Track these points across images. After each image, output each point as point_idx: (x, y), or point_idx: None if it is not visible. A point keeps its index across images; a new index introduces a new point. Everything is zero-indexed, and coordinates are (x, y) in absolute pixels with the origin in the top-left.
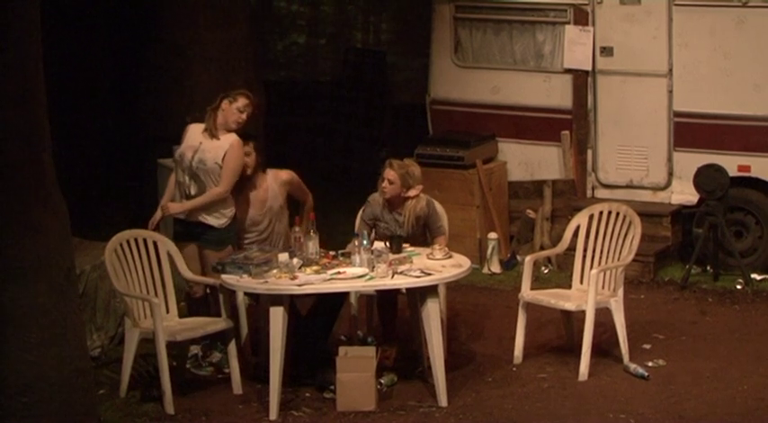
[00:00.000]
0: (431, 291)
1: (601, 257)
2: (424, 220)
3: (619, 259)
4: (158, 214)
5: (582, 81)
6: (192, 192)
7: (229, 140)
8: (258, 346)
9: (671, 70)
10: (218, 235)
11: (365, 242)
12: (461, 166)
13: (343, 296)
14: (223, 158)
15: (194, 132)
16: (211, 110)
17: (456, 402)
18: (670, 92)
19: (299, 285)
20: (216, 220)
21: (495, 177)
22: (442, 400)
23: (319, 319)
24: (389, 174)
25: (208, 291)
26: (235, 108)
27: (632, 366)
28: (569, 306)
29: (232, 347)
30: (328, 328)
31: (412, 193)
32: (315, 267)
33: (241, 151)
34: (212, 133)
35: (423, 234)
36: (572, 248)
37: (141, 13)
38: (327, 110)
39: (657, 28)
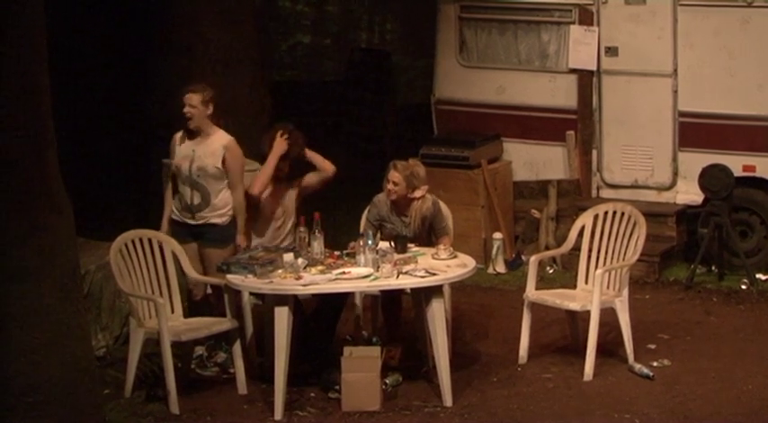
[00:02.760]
0: (435, 291)
1: (606, 257)
2: (430, 220)
3: (624, 259)
4: (165, 227)
5: (587, 81)
6: (196, 201)
7: (222, 142)
8: (263, 347)
9: (676, 70)
10: (221, 232)
11: (370, 242)
12: (466, 166)
13: (346, 296)
14: (223, 163)
15: (181, 141)
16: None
17: (461, 402)
18: (675, 92)
19: (304, 285)
20: (220, 219)
21: (500, 177)
22: (447, 400)
23: (323, 319)
24: (394, 176)
25: (208, 292)
26: (187, 107)
27: (637, 366)
28: (574, 306)
29: (237, 348)
30: (332, 328)
31: (417, 193)
32: (320, 267)
33: (239, 149)
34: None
35: (429, 235)
36: (577, 248)
37: (147, 13)
38: (332, 110)
39: (662, 28)
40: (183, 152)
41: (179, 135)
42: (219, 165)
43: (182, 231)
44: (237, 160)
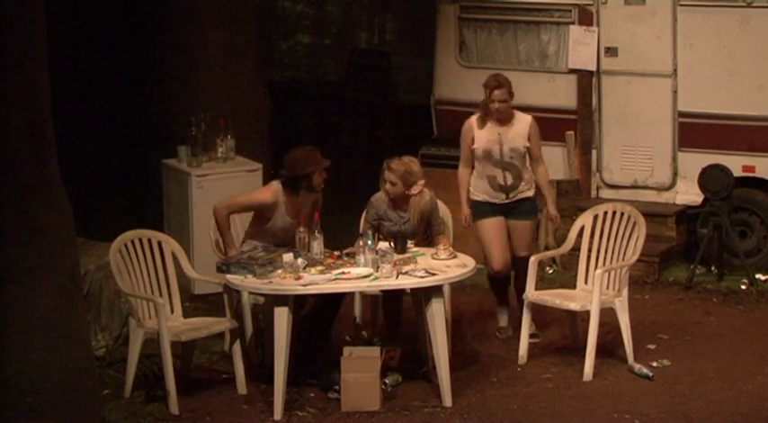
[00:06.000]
0: (435, 291)
1: (605, 258)
2: (429, 215)
3: (623, 259)
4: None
5: (586, 81)
6: (509, 182)
7: (527, 121)
8: (263, 347)
9: (675, 70)
10: (531, 204)
11: (369, 242)
12: None
13: (341, 297)
14: (529, 139)
15: (474, 126)
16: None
17: (460, 402)
18: (675, 92)
19: (304, 285)
20: (530, 191)
21: None
22: (447, 400)
23: (318, 320)
24: (390, 176)
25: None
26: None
27: (637, 366)
28: (574, 306)
29: (237, 347)
30: (327, 329)
31: (414, 190)
32: (319, 267)
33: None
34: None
35: (427, 232)
36: (576, 249)
37: (146, 13)
38: (332, 110)
39: (662, 28)
40: (488, 136)
41: (475, 119)
42: (527, 143)
43: (488, 210)
44: (539, 135)
